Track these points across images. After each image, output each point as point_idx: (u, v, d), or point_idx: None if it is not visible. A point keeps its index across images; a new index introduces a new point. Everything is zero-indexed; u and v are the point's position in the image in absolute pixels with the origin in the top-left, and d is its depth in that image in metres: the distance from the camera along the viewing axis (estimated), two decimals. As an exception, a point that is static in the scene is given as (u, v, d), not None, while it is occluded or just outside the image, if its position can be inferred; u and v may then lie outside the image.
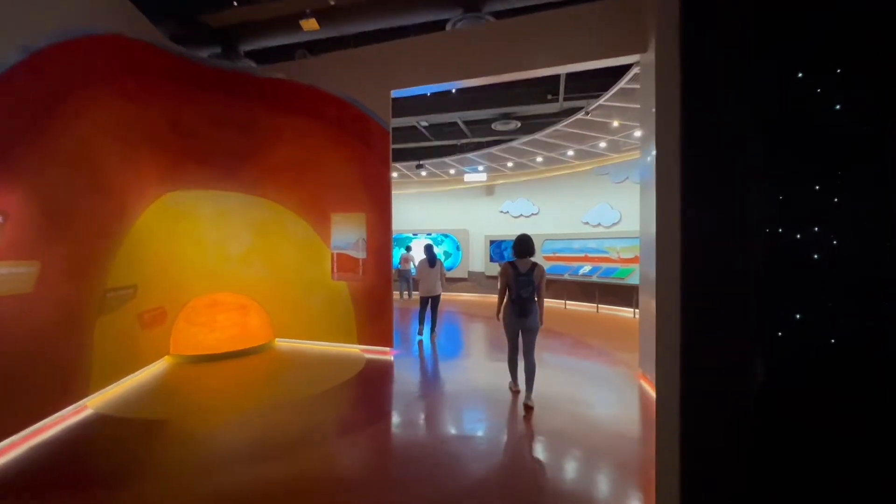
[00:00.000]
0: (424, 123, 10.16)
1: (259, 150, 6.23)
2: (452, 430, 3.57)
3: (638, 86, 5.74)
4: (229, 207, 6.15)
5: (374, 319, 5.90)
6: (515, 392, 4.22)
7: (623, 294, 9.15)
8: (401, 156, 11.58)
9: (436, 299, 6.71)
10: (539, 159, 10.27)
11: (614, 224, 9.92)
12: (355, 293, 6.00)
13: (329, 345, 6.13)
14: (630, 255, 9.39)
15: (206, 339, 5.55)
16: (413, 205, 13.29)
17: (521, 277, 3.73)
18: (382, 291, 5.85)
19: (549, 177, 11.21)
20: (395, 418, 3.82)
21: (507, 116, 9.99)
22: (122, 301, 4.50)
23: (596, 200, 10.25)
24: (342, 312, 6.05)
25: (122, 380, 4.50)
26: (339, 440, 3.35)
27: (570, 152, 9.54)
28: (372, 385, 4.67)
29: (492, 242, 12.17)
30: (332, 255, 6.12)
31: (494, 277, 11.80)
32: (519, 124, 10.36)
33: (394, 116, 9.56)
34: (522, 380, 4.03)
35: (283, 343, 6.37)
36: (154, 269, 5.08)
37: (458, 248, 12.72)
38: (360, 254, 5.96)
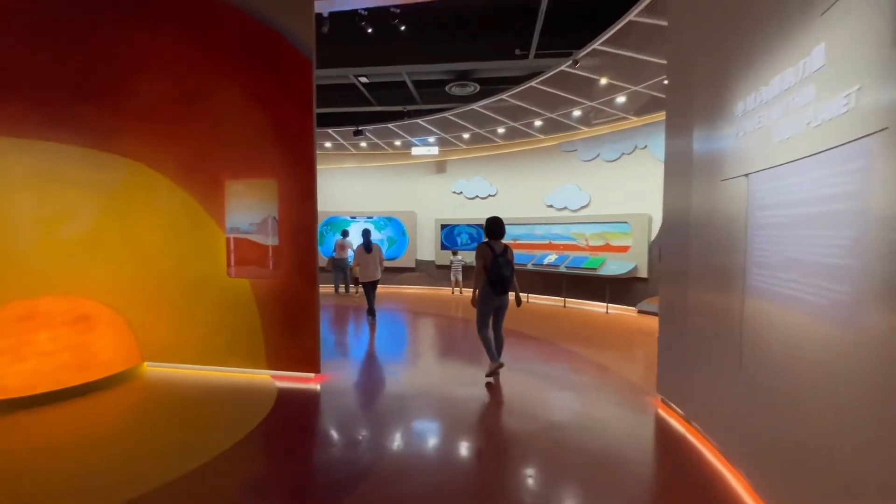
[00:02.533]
0: (364, 79, 8.28)
1: (114, 83, 4.12)
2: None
3: (662, 21, 4.46)
4: (61, 168, 4.00)
5: (292, 332, 4.14)
6: (499, 366, 4.10)
7: (592, 287, 8.11)
8: (335, 121, 9.58)
9: (374, 284, 6.74)
10: (501, 130, 8.84)
11: (582, 207, 8.83)
12: (263, 296, 4.18)
13: (225, 370, 4.28)
14: (599, 243, 8.36)
15: (7, 374, 3.46)
16: (351, 182, 11.34)
17: (500, 258, 3.89)
18: (303, 292, 4.09)
19: (510, 153, 9.87)
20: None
21: (464, 77, 8.42)
22: None
23: (562, 181, 9.09)
24: (243, 324, 4.21)
25: None
26: None
27: (538, 122, 8.22)
28: (284, 441, 2.97)
29: (443, 227, 10.67)
30: (229, 240, 4.23)
31: (446, 267, 10.34)
32: (478, 88, 8.85)
33: (325, 66, 7.61)
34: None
35: (155, 369, 4.40)
36: None
37: (403, 234, 11.05)
38: (270, 239, 4.14)
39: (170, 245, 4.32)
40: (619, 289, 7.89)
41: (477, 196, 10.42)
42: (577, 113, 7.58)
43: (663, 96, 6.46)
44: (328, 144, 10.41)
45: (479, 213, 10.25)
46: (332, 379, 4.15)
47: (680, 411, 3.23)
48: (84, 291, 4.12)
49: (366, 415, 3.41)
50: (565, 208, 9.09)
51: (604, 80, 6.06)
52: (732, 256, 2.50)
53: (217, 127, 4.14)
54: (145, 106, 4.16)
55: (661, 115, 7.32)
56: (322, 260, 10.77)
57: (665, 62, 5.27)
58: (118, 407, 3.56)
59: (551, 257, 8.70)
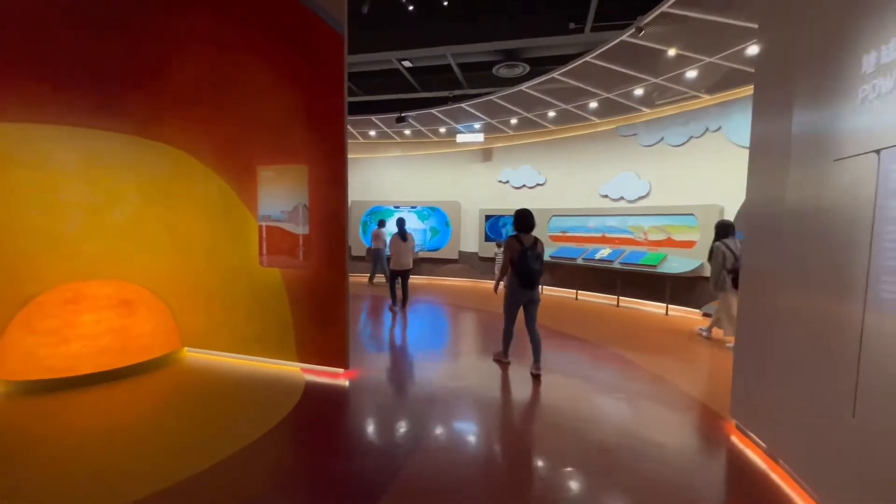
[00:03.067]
0: (407, 63, 7.99)
1: (153, 69, 4.14)
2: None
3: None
4: (106, 155, 4.09)
5: (321, 326, 3.98)
6: (506, 364, 4.24)
7: (650, 285, 7.37)
8: (379, 109, 9.42)
9: (407, 273, 6.70)
10: (551, 114, 8.22)
11: (641, 198, 8.03)
12: (293, 287, 4.05)
13: (257, 360, 4.22)
14: (660, 237, 7.55)
15: (53, 356, 3.58)
16: (395, 171, 11.20)
17: (529, 252, 3.82)
18: (333, 284, 3.91)
19: (561, 139, 9.20)
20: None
21: (512, 57, 7.88)
22: None
23: (618, 168, 8.32)
24: (274, 314, 4.12)
25: None
26: None
27: (593, 104, 7.52)
28: (306, 439, 2.79)
29: (488, 218, 10.24)
30: (261, 228, 4.13)
31: (490, 259, 9.93)
32: (528, 69, 8.27)
33: (366, 51, 7.41)
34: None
35: (194, 355, 4.44)
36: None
37: (447, 225, 10.75)
38: (300, 228, 3.98)
39: (206, 232, 4.30)
40: (682, 288, 7.09)
41: (524, 185, 9.86)
42: (638, 92, 6.80)
43: (744, 68, 5.58)
44: (372, 133, 10.30)
45: (527, 204, 9.70)
46: (362, 375, 3.95)
47: (761, 443, 2.66)
48: (128, 276, 4.22)
49: (394, 417, 3.16)
50: (622, 199, 8.32)
51: (672, 52, 5.31)
52: (850, 257, 1.92)
53: (250, 111, 4.02)
54: (184, 92, 4.14)
55: (739, 92, 6.40)
56: (364, 249, 10.79)
57: (754, 25, 4.48)
58: (150, 393, 3.58)
59: (604, 252, 8.01)
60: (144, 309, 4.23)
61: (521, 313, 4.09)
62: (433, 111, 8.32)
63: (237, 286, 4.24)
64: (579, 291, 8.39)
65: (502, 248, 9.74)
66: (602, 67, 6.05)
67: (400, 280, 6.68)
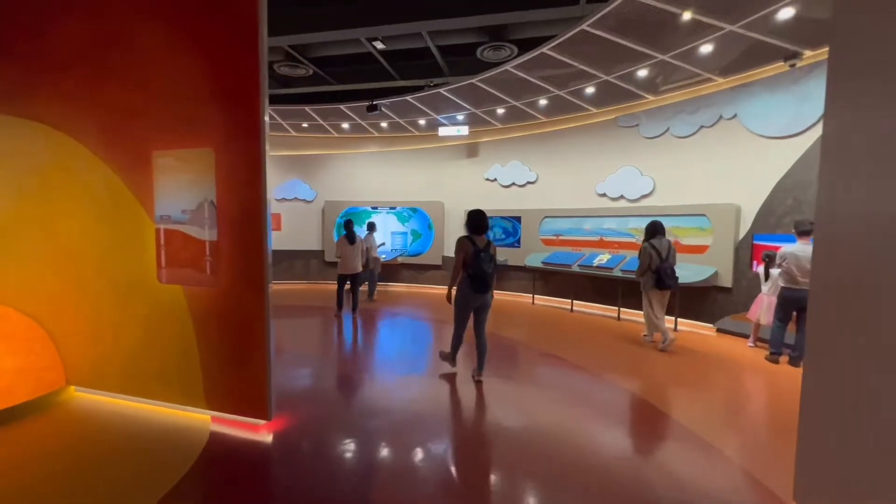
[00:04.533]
0: (379, 44, 7.03)
1: (21, 25, 3.16)
2: None
3: None
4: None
5: (234, 363, 2.99)
6: (452, 373, 4.02)
7: (657, 295, 6.44)
8: (353, 99, 8.44)
9: (355, 277, 6.49)
10: (542, 102, 7.30)
11: (644, 196, 7.12)
12: (200, 310, 3.06)
13: (158, 405, 3.22)
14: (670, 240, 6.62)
15: None
16: (371, 168, 10.22)
17: (482, 254, 3.65)
18: (249, 307, 2.92)
19: (553, 131, 8.28)
20: None
21: (498, 36, 6.96)
22: None
23: (618, 163, 7.41)
24: (177, 346, 3.12)
25: None
26: None
27: (590, 89, 6.60)
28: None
29: (474, 220, 9.28)
30: (158, 232, 3.14)
31: (476, 266, 8.94)
32: (516, 51, 7.34)
33: (330, 28, 6.45)
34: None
35: (84, 397, 3.43)
36: None
37: (429, 227, 9.79)
38: (207, 232, 2.99)
39: (95, 237, 3.30)
40: (693, 300, 6.17)
41: (513, 183, 8.93)
42: (641, 73, 5.90)
43: (770, 41, 4.69)
44: (345, 125, 9.32)
45: (517, 204, 8.79)
46: (293, 425, 2.96)
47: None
48: (-14, 296, 3.21)
49: (326, 484, 2.17)
50: (621, 197, 7.41)
51: (687, 16, 4.39)
52: None
53: (142, 77, 3.04)
54: (63, 57, 3.15)
55: (759, 73, 5.51)
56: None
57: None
58: (11, 451, 2.57)
59: (603, 258, 7.09)
60: (7, 339, 3.21)
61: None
62: (408, 98, 7.37)
63: (131, 308, 3.24)
64: (575, 302, 7.45)
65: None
66: (600, 40, 5.13)
67: (350, 284, 6.47)
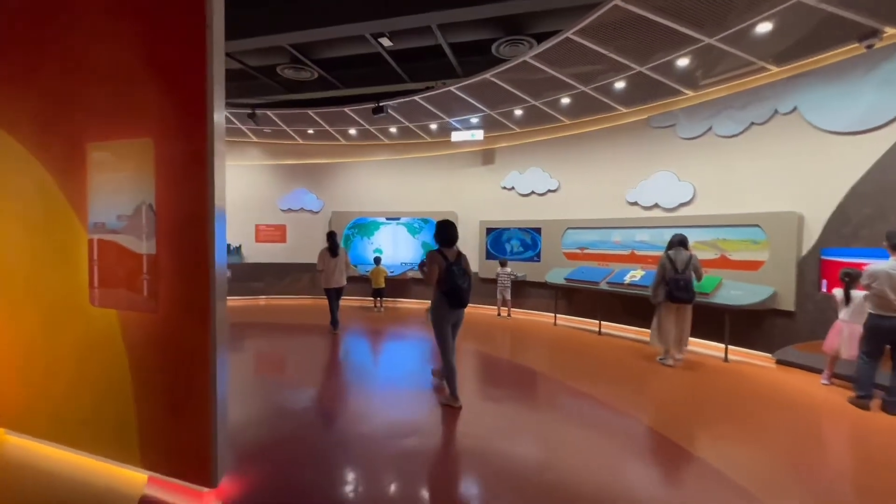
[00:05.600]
0: (387, 41, 6.49)
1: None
2: None
3: None
4: None
5: (174, 412, 2.33)
6: (458, 409, 3.44)
7: (700, 319, 5.52)
8: (359, 103, 7.93)
9: (340, 291, 6.25)
10: (565, 101, 6.60)
11: (682, 205, 6.29)
12: (135, 341, 2.43)
13: (92, 458, 2.59)
14: (710, 255, 5.76)
15: None
16: (380, 177, 9.66)
17: (454, 267, 3.43)
18: (191, 340, 2.27)
19: (577, 134, 7.55)
20: None
21: (515, 30, 6.34)
22: None
23: (651, 168, 6.61)
24: (109, 387, 2.49)
25: None
26: None
27: (619, 84, 5.87)
28: None
29: (489, 231, 8.59)
30: (91, 244, 2.54)
31: (493, 280, 8.21)
32: (535, 44, 6.67)
33: (333, 23, 5.95)
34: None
35: (16, 442, 2.84)
36: None
37: (442, 239, 9.10)
38: (144, 243, 2.38)
39: (22, 251, 2.74)
40: (745, 325, 5.27)
41: (533, 192, 8.19)
42: (681, 63, 5.14)
43: (847, 15, 3.90)
44: (353, 131, 8.82)
45: (537, 214, 8.04)
46: (249, 495, 2.27)
47: None
48: None
49: None
50: (655, 206, 6.58)
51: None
52: None
53: (81, 55, 2.49)
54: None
55: (826, 58, 4.69)
56: (353, 270, 9.20)
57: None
58: None
59: (635, 274, 6.24)
60: (-84, 372, 2.66)
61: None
62: (416, 98, 6.79)
63: (64, 336, 2.64)
64: (603, 323, 6.60)
65: (508, 268, 8.15)
66: (635, 21, 4.43)
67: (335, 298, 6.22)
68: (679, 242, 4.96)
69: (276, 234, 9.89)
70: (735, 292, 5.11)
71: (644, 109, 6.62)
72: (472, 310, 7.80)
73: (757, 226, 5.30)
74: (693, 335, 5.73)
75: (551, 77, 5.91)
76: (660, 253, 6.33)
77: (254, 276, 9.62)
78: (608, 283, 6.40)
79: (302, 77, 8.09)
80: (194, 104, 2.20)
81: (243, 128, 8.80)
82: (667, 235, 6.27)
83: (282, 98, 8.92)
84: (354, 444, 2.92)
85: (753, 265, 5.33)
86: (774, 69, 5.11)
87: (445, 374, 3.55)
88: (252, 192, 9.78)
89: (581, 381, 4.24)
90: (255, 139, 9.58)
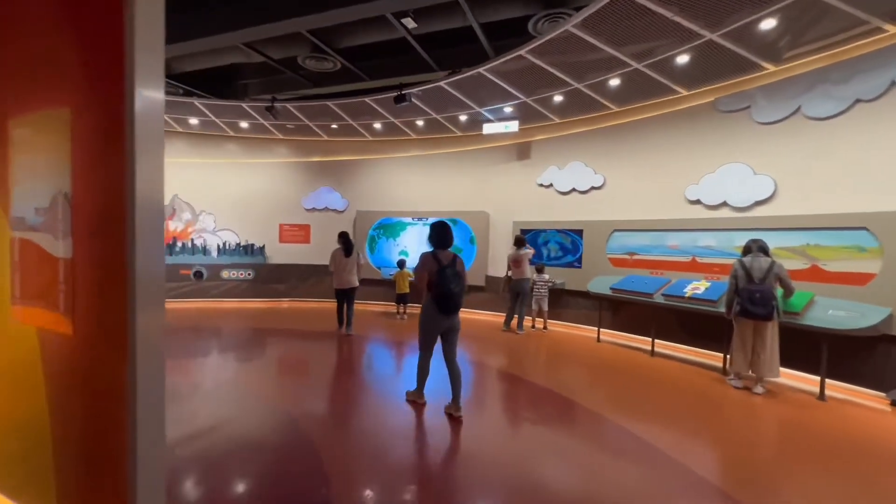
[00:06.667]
0: (410, 22, 5.88)
1: None
2: None
3: None
4: None
5: (93, 459, 1.77)
6: (422, 405, 3.54)
7: (791, 344, 4.44)
8: (382, 93, 7.38)
9: (352, 291, 6.07)
10: (614, 83, 5.72)
11: (758, 203, 5.24)
12: (54, 366, 1.89)
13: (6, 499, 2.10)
14: (800, 265, 4.70)
15: None
16: (407, 175, 9.09)
17: (447, 270, 3.29)
18: (108, 370, 1.69)
19: (627, 123, 6.61)
20: None
21: (554, 2, 5.54)
22: None
23: (717, 160, 5.59)
24: (25, 421, 1.98)
25: None
26: None
27: (681, 59, 4.95)
28: None
29: (524, 233, 7.78)
30: (13, 243, 2.05)
31: (526, 289, 7.39)
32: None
33: (349, 3, 5.40)
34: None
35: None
36: None
37: (471, 242, 8.41)
38: (59, 243, 1.84)
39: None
40: (849, 354, 4.19)
41: (574, 189, 7.31)
42: (766, 26, 4.16)
43: None
44: (377, 125, 8.30)
45: (578, 214, 7.17)
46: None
47: None
48: None
49: None
50: (724, 205, 5.55)
51: None
52: None
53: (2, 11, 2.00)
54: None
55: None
56: (374, 273, 8.70)
57: None
58: None
59: (698, 286, 5.24)
60: None
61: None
62: (442, 84, 6.13)
63: (-10, 355, 2.17)
64: (658, 342, 5.63)
65: (545, 274, 7.32)
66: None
67: (346, 300, 6.08)
68: (759, 248, 4.23)
69: (299, 234, 9.55)
70: (837, 313, 4.04)
71: (710, 90, 5.61)
72: (500, 320, 7.00)
73: (864, 228, 4.21)
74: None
75: (598, 52, 5.06)
76: (730, 261, 5.32)
77: (276, 278, 9.32)
78: (664, 295, 5.43)
79: (324, 68, 7.66)
80: (112, 68, 1.63)
81: (266, 123, 8.50)
82: (738, 240, 5.27)
83: (305, 93, 8.56)
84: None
85: (859, 278, 4.24)
86: (892, 29, 4.02)
87: (419, 372, 3.55)
88: (276, 190, 9.50)
89: (632, 417, 3.39)
90: (279, 135, 9.29)
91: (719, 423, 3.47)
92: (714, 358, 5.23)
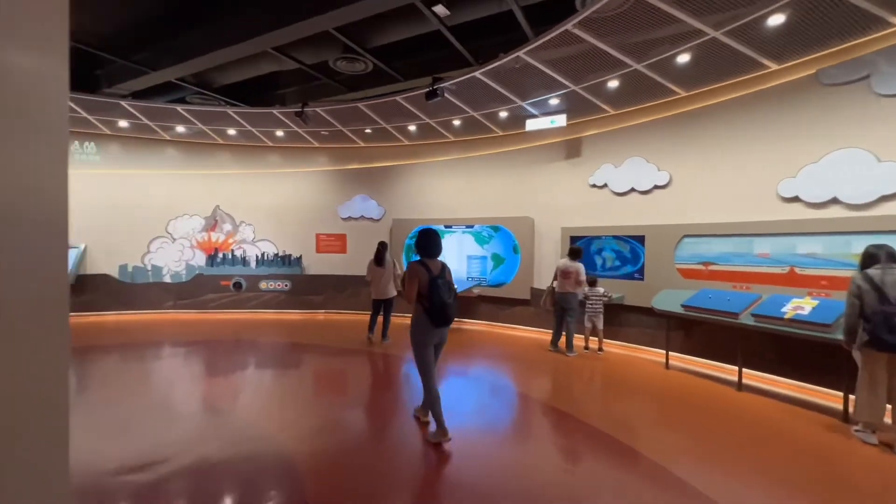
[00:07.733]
0: (442, 9, 5.34)
1: None
2: None
3: None
4: None
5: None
6: (446, 439, 3.07)
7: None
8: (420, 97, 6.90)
9: (389, 302, 6.13)
10: (682, 59, 4.80)
11: (884, 198, 4.08)
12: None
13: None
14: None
15: None
16: (445, 179, 8.51)
17: (439, 280, 3.15)
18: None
19: (698, 109, 5.60)
20: None
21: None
22: None
23: (822, 146, 4.48)
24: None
25: None
26: None
27: (776, 19, 3.97)
28: None
29: (574, 240, 6.91)
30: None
31: (578, 303, 6.50)
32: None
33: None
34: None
35: None
36: None
37: (515, 250, 7.64)
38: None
39: None
40: None
41: (633, 189, 6.35)
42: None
43: None
44: (412, 127, 7.82)
45: (638, 218, 6.23)
46: None
47: None
48: None
49: None
50: (833, 201, 4.42)
51: None
52: None
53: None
54: None
55: None
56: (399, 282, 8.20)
57: None
58: None
59: (801, 304, 4.14)
60: None
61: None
62: (477, 75, 5.49)
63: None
64: (746, 372, 4.56)
65: (599, 287, 6.38)
66: None
67: (383, 310, 6.20)
68: (889, 256, 3.29)
69: (336, 244, 9.28)
70: None
71: (809, 61, 4.53)
72: (548, 337, 6.15)
73: None
74: None
75: (666, 23, 4.20)
76: (843, 273, 4.20)
77: (312, 290, 9.08)
78: (754, 314, 4.37)
79: (356, 69, 7.33)
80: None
81: (300, 131, 8.32)
82: (855, 246, 4.14)
83: (340, 98, 8.30)
84: None
85: None
86: None
87: (428, 403, 3.25)
88: (313, 200, 9.32)
89: (725, 483, 2.49)
90: (315, 143, 9.12)
91: (854, 499, 2.49)
92: (825, 396, 4.11)
